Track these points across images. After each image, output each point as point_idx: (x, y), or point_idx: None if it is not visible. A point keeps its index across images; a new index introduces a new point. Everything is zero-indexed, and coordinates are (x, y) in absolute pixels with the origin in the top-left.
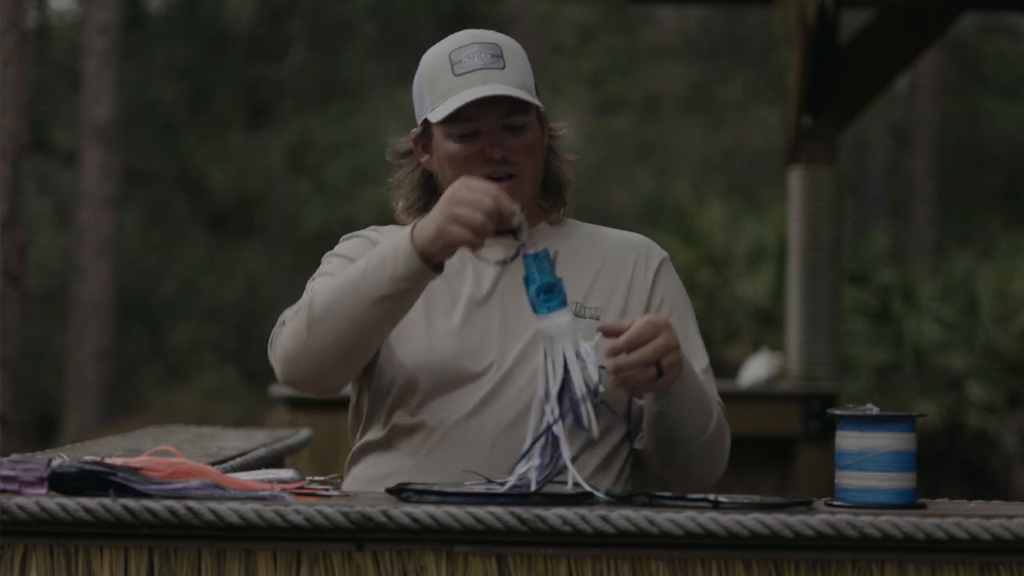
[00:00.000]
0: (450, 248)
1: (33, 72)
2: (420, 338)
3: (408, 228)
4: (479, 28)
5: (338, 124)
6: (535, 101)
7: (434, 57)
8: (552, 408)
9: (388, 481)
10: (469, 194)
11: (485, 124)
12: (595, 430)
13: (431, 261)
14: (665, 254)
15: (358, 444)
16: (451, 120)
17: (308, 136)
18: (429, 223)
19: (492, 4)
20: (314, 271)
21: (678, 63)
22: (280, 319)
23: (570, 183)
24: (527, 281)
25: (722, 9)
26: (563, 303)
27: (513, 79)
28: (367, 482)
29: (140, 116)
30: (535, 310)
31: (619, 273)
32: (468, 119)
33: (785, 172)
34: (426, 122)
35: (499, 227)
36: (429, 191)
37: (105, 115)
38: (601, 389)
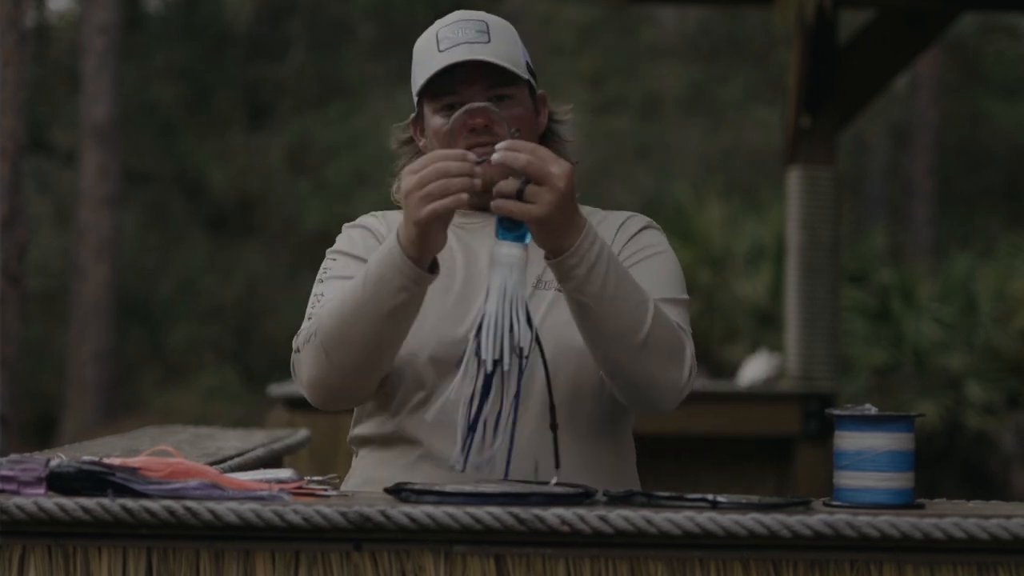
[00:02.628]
0: (432, 231)
1: (32, 72)
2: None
3: (394, 235)
4: None
5: (338, 124)
6: (518, 71)
7: (422, 38)
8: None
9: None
10: (414, 175)
11: (468, 95)
12: (509, 363)
13: (423, 258)
14: (652, 221)
15: (359, 434)
16: (434, 93)
17: (308, 136)
18: (405, 222)
19: (492, 4)
20: (314, 271)
21: (678, 63)
22: (294, 345)
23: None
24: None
25: (722, 9)
26: (523, 238)
27: (497, 52)
28: (368, 482)
29: (139, 116)
30: (496, 233)
31: None
32: (451, 91)
33: (784, 172)
34: (420, 104)
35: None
36: None
37: (104, 115)
38: (524, 335)
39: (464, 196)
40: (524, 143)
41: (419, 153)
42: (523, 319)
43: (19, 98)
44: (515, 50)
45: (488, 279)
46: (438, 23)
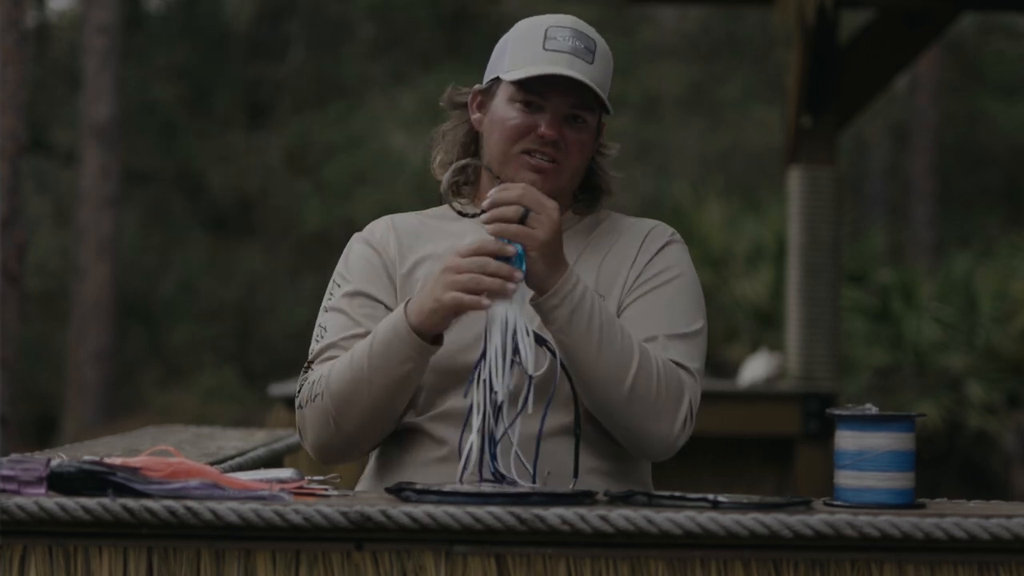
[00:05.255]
0: (447, 314)
1: (33, 72)
2: None
3: (402, 307)
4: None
5: (337, 124)
6: (608, 105)
7: (530, 24)
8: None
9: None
10: (457, 258)
11: (552, 104)
12: (530, 367)
13: (429, 333)
14: (674, 233)
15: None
16: (525, 86)
17: (307, 136)
18: (427, 293)
19: (492, 4)
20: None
21: (677, 63)
22: (297, 401)
23: (610, 195)
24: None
25: (722, 9)
26: (518, 263)
27: (596, 76)
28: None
29: (139, 116)
30: None
31: (625, 256)
32: (539, 93)
33: (784, 172)
34: (492, 81)
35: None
36: (469, 152)
37: (104, 115)
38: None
39: (487, 302)
40: (514, 184)
41: (466, 123)
42: (526, 345)
43: (19, 98)
44: (608, 79)
45: (488, 312)
46: (550, 17)
